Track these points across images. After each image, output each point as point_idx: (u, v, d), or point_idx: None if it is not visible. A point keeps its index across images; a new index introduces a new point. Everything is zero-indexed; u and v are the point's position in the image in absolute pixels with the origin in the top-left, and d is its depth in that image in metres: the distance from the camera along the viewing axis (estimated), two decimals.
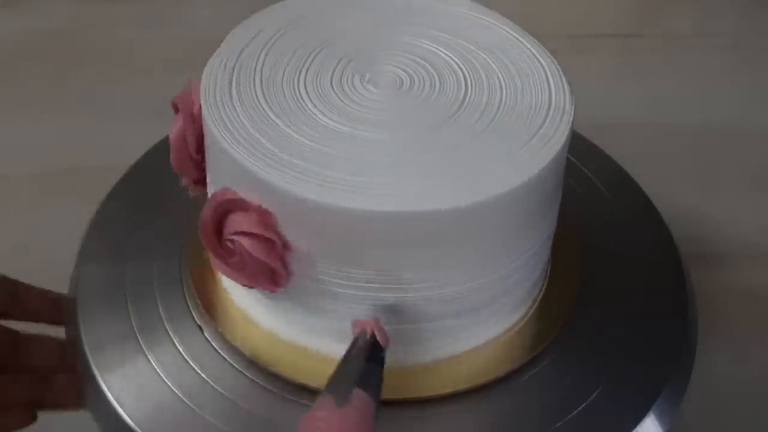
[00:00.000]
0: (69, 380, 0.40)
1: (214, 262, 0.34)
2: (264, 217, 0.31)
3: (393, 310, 0.33)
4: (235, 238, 0.32)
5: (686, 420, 0.42)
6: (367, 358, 0.31)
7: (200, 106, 0.34)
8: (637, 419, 0.36)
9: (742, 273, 0.56)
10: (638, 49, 0.76)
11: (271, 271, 0.32)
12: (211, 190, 0.36)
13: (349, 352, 0.31)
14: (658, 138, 0.65)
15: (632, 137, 0.61)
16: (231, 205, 0.32)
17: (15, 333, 0.40)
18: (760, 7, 0.81)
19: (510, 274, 0.35)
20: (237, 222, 0.32)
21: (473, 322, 0.35)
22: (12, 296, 0.40)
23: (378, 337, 0.32)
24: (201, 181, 0.37)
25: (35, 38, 0.74)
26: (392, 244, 0.31)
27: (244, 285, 0.34)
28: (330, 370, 0.31)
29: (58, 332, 0.41)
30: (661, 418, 0.36)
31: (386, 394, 0.35)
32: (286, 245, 0.32)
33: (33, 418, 0.40)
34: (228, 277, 0.34)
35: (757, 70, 0.74)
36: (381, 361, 0.31)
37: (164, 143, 0.47)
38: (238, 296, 0.38)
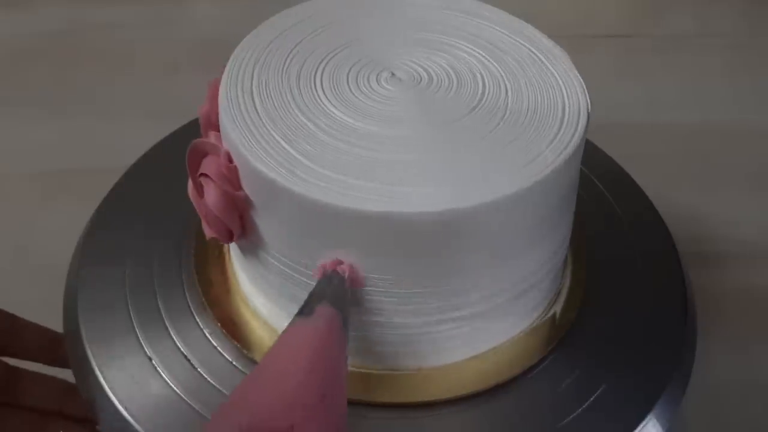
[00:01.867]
0: (67, 426, 0.40)
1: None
2: (230, 170, 0.33)
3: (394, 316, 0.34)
4: (201, 179, 0.33)
5: (686, 420, 0.42)
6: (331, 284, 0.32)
7: None
8: (638, 419, 0.36)
9: (742, 273, 0.56)
10: (638, 49, 0.76)
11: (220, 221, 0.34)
12: None
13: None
14: (658, 138, 0.65)
15: (632, 137, 0.61)
16: (206, 148, 0.34)
17: (14, 369, 0.40)
18: (760, 8, 0.81)
19: (522, 281, 0.35)
20: (206, 164, 0.34)
21: (476, 330, 0.35)
22: (9, 331, 0.40)
23: (347, 276, 0.32)
24: None
25: (35, 38, 0.74)
26: (374, 246, 0.31)
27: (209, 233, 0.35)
28: None
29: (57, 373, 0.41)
30: (661, 418, 0.36)
31: (391, 397, 0.35)
32: (248, 201, 0.33)
33: None
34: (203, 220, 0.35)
35: (756, 70, 0.74)
36: (343, 283, 0.32)
37: (164, 143, 0.47)
38: (247, 293, 0.38)
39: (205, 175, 0.33)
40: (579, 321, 0.39)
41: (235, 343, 0.37)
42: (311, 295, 0.31)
